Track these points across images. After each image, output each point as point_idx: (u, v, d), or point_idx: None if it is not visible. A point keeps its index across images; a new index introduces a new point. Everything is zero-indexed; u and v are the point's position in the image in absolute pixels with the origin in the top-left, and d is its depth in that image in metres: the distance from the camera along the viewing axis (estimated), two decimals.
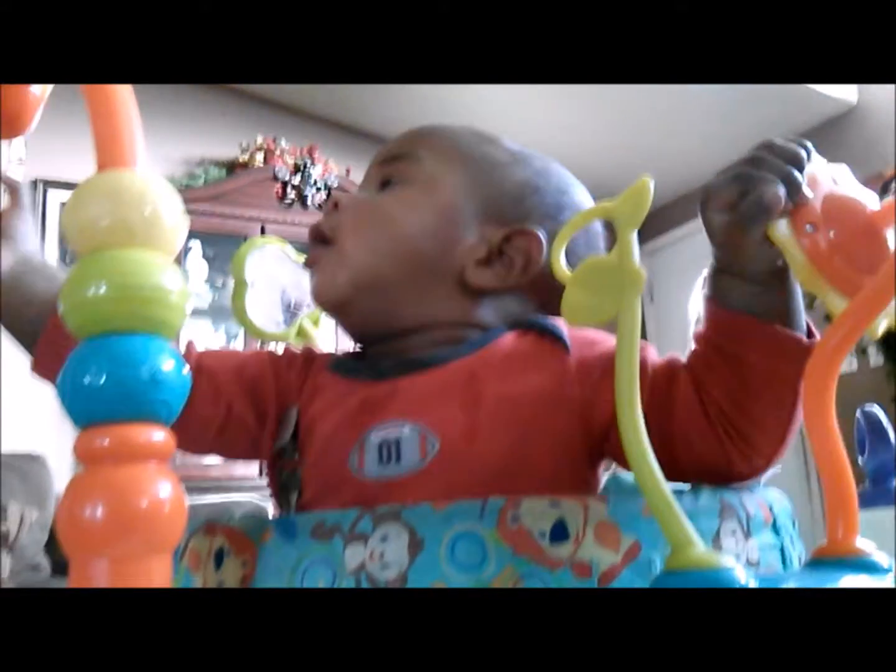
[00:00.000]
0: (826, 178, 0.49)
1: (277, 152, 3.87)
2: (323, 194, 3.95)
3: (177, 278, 0.37)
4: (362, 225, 0.65)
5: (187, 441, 0.63)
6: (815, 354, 0.46)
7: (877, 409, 0.87)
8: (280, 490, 0.62)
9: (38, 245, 0.65)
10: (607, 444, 0.55)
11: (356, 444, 0.57)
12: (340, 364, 0.66)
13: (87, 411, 0.34)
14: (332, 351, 0.71)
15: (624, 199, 0.43)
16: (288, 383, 0.66)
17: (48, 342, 0.62)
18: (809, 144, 0.49)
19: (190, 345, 0.69)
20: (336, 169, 4.00)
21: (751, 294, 0.51)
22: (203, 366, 0.66)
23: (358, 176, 4.06)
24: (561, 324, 0.60)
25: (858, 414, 0.80)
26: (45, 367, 0.64)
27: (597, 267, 0.43)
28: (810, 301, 0.55)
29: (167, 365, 0.35)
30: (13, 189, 0.64)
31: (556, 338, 0.59)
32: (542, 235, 0.64)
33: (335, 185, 3.97)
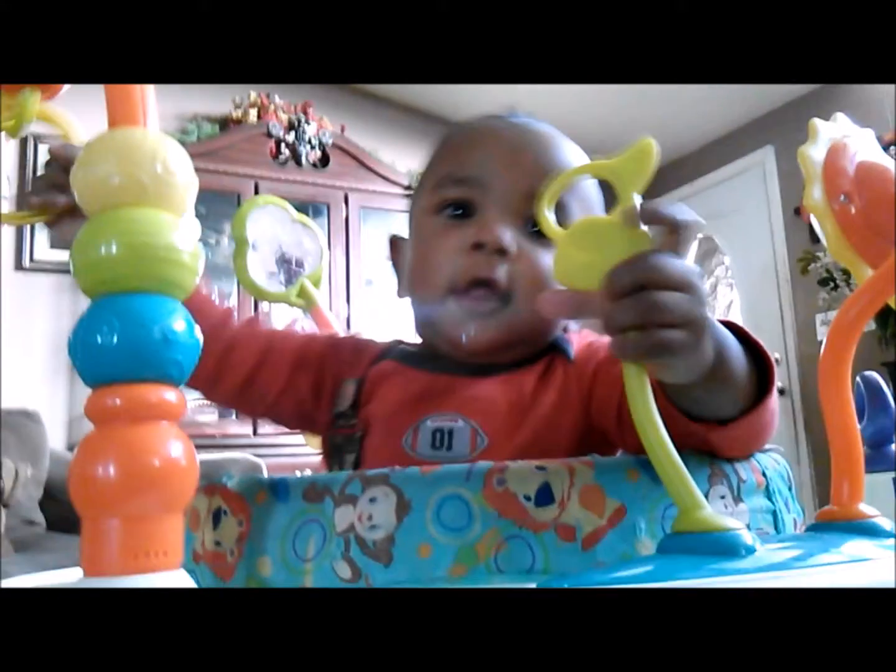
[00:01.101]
0: (856, 144, 0.49)
1: (271, 108, 3.82)
2: (317, 152, 3.91)
3: (189, 238, 0.36)
4: (540, 288, 0.62)
5: (245, 404, 0.74)
6: (836, 322, 0.47)
7: (876, 375, 0.88)
8: (333, 452, 0.67)
9: None
10: (608, 423, 0.59)
11: (412, 427, 0.63)
12: (407, 355, 0.71)
13: (98, 371, 0.35)
14: (388, 340, 0.75)
15: (627, 159, 0.41)
16: (345, 363, 0.71)
17: None
18: (686, 224, 0.42)
19: (256, 320, 0.75)
20: (330, 126, 3.96)
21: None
22: (274, 341, 0.72)
23: (352, 134, 4.08)
24: (570, 337, 0.68)
25: (858, 379, 0.80)
26: None
27: (594, 226, 0.42)
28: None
29: (179, 325, 0.35)
30: None
31: (564, 353, 0.66)
32: None
33: (329, 142, 3.93)
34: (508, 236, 0.64)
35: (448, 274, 0.64)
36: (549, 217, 0.43)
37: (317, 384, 0.71)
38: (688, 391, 0.45)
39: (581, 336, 0.70)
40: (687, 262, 0.41)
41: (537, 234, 0.64)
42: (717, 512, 0.46)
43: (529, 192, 0.61)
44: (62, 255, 3.35)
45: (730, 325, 0.48)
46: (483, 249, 0.64)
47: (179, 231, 0.36)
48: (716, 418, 0.48)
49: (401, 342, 0.74)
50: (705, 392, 0.46)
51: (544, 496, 0.42)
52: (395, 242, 0.76)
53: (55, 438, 3.07)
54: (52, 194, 0.66)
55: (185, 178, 0.37)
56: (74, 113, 0.72)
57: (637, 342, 0.39)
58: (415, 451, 0.62)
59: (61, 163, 0.67)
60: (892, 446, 0.85)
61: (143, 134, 0.36)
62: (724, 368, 0.44)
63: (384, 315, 3.89)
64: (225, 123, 3.80)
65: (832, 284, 3.49)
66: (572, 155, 0.69)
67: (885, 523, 0.44)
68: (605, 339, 0.63)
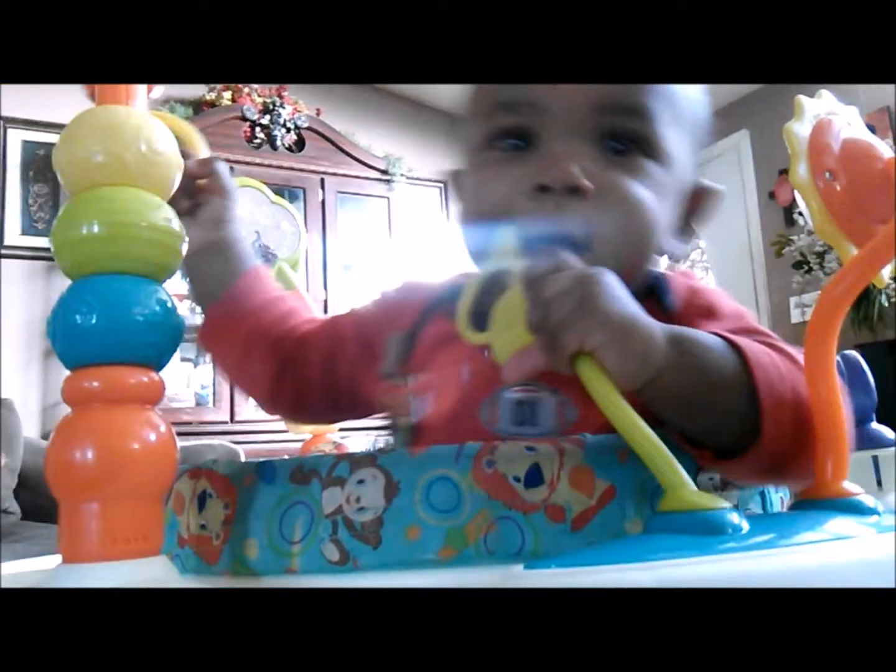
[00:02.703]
0: (842, 121, 0.49)
1: (245, 91, 3.78)
2: (293, 135, 3.88)
3: (171, 218, 0.36)
4: (626, 227, 0.53)
5: (305, 401, 0.68)
6: (821, 300, 0.47)
7: (856, 354, 0.89)
8: (390, 418, 0.63)
9: (230, 227, 0.67)
10: None
11: (488, 398, 0.54)
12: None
13: (76, 352, 0.34)
14: (443, 283, 0.66)
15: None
16: (387, 322, 0.65)
17: (209, 325, 0.69)
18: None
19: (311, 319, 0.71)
20: (306, 110, 3.93)
21: None
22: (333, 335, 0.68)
23: (328, 118, 4.05)
24: (670, 280, 0.58)
25: (838, 358, 0.81)
26: (205, 343, 0.70)
27: (506, 311, 0.44)
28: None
29: (160, 308, 0.35)
30: (212, 172, 0.67)
31: (663, 298, 0.57)
32: (720, 190, 0.60)
33: (305, 126, 3.90)
34: (579, 170, 0.52)
35: (518, 231, 0.52)
36: (468, 325, 0.44)
37: (368, 352, 0.64)
38: (670, 409, 0.44)
39: (680, 279, 0.59)
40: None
41: (621, 154, 0.53)
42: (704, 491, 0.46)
43: (603, 102, 0.53)
44: (34, 241, 3.30)
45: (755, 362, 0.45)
46: (551, 192, 0.52)
47: (162, 211, 0.36)
48: (717, 447, 0.45)
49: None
50: (686, 411, 0.45)
51: (534, 477, 0.42)
52: (456, 177, 0.64)
53: (29, 427, 3.04)
54: (177, 196, 0.65)
55: (169, 159, 0.36)
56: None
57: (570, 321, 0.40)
58: (494, 426, 0.54)
59: (196, 164, 0.66)
60: (873, 424, 0.86)
61: (127, 112, 0.36)
62: (689, 379, 0.43)
63: (362, 299, 3.88)
64: (198, 106, 3.76)
65: (806, 267, 3.52)
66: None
67: (869, 500, 0.44)
68: (707, 286, 0.59)
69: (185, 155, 0.70)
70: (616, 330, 0.41)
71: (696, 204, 0.60)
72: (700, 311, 0.54)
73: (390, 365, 0.61)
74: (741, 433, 0.44)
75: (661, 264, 0.60)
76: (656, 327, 0.43)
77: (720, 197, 0.60)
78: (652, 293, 0.56)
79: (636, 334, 0.41)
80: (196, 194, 0.66)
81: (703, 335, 0.46)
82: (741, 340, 0.46)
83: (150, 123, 0.36)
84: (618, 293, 0.42)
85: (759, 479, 0.50)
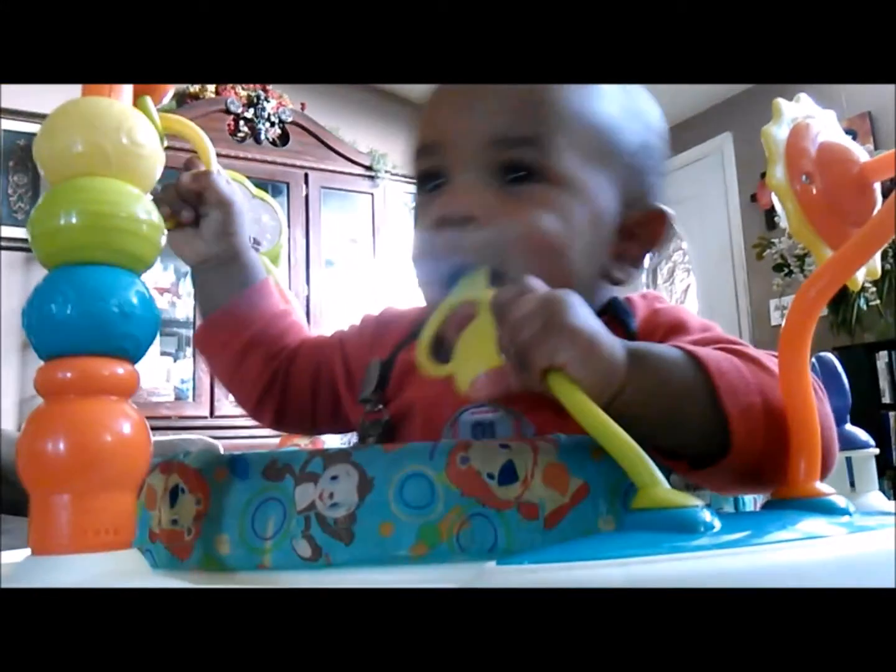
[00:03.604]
0: (819, 125, 0.49)
1: (229, 84, 3.76)
2: (277, 129, 3.86)
3: (151, 210, 0.36)
4: (531, 265, 0.52)
5: (291, 414, 0.72)
6: (795, 301, 0.47)
7: (831, 356, 0.89)
8: (360, 439, 0.63)
9: (233, 239, 0.69)
10: None
11: (448, 422, 0.57)
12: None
13: (51, 343, 0.34)
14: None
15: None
16: (366, 346, 0.69)
17: (209, 330, 0.71)
18: None
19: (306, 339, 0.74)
20: (291, 104, 3.91)
21: None
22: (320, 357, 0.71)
23: (313, 112, 4.03)
24: (632, 302, 0.60)
25: (814, 360, 0.82)
26: (202, 346, 0.72)
27: (473, 336, 0.46)
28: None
29: (136, 299, 0.35)
30: (207, 186, 0.68)
31: (624, 320, 0.58)
32: (668, 212, 0.60)
33: (289, 120, 3.88)
34: (470, 201, 0.54)
35: (431, 263, 0.56)
36: (428, 358, 0.47)
37: (348, 377, 0.69)
38: (638, 423, 0.43)
39: (639, 301, 0.61)
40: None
41: (519, 183, 0.55)
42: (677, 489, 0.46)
43: (496, 136, 0.55)
44: (13, 231, 3.27)
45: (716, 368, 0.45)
46: (449, 224, 0.55)
47: (141, 203, 0.36)
48: (691, 457, 0.46)
49: None
50: (654, 424, 0.45)
51: (508, 474, 0.42)
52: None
53: (6, 420, 3.01)
54: (179, 206, 0.67)
55: (150, 151, 0.36)
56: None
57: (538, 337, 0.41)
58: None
59: (190, 177, 0.68)
60: (847, 426, 0.86)
61: (108, 103, 0.36)
62: (651, 384, 0.44)
63: (344, 296, 3.87)
64: (182, 99, 3.73)
65: (786, 270, 3.55)
66: (549, 87, 0.58)
67: (840, 501, 0.45)
68: (671, 305, 0.61)
69: (193, 165, 0.71)
70: (582, 345, 0.42)
71: (643, 228, 0.60)
72: (663, 328, 0.56)
73: (367, 391, 0.64)
74: (712, 442, 0.45)
75: (626, 290, 0.62)
76: (617, 343, 0.44)
77: (672, 219, 0.60)
78: (611, 315, 0.57)
79: (601, 350, 0.43)
80: (198, 206, 0.68)
81: (663, 348, 0.47)
82: (700, 350, 0.46)
83: (131, 115, 0.36)
84: (582, 312, 0.44)
85: (736, 486, 0.51)
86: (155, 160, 0.37)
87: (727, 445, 0.44)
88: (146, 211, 0.35)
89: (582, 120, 0.57)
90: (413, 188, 0.64)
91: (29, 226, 0.35)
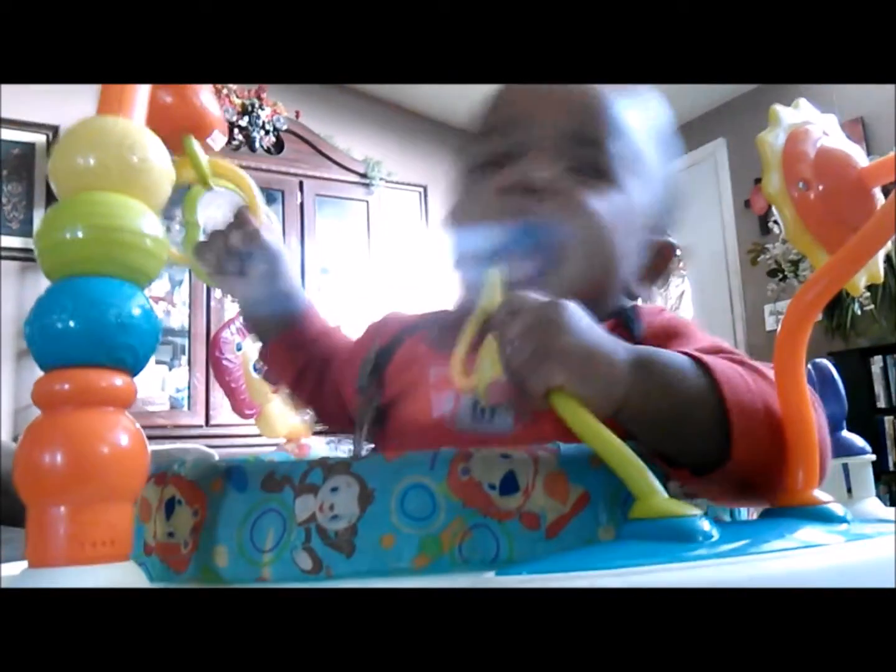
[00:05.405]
0: (818, 129, 0.49)
1: (224, 92, 3.76)
2: (271, 137, 3.86)
3: (155, 225, 0.36)
4: (586, 251, 0.58)
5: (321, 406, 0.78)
6: (792, 305, 0.47)
7: (827, 362, 0.89)
8: (356, 426, 0.66)
9: (279, 281, 0.74)
10: None
11: (450, 397, 0.59)
12: (444, 327, 0.63)
13: (51, 353, 0.34)
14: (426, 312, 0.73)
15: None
16: (368, 344, 0.71)
17: (272, 354, 0.77)
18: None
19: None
20: (285, 112, 3.91)
21: None
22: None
23: (307, 120, 4.03)
24: (638, 312, 0.61)
25: (809, 366, 0.81)
26: (269, 366, 0.79)
27: (487, 351, 0.46)
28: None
29: (136, 310, 0.35)
30: (259, 247, 0.71)
31: (630, 325, 0.59)
32: (676, 248, 0.65)
33: (284, 128, 3.88)
34: (543, 174, 0.57)
35: (489, 228, 0.58)
36: (458, 372, 0.47)
37: (350, 369, 0.71)
38: (644, 430, 0.44)
39: (649, 309, 0.63)
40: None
41: (588, 177, 0.59)
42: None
43: (574, 134, 0.59)
44: (8, 241, 3.26)
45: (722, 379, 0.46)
46: (511, 193, 0.58)
47: (146, 217, 0.36)
48: (693, 464, 0.46)
49: (440, 314, 0.71)
50: (659, 430, 0.45)
51: (509, 485, 0.42)
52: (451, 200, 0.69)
53: (1, 430, 3.00)
54: (226, 259, 0.70)
55: (157, 167, 0.37)
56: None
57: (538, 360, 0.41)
58: (453, 421, 0.58)
59: (241, 237, 0.70)
60: (843, 433, 0.86)
61: (114, 122, 0.37)
62: (655, 396, 0.44)
63: (340, 303, 3.86)
64: None
65: (781, 276, 3.56)
66: (622, 96, 0.62)
67: (838, 509, 0.45)
68: (677, 316, 0.62)
69: (244, 220, 0.71)
70: (577, 364, 0.42)
71: (658, 257, 0.65)
72: (668, 334, 0.57)
73: (363, 378, 0.66)
74: (714, 450, 0.45)
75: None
76: (620, 351, 0.44)
77: (678, 254, 0.65)
78: (620, 322, 0.59)
79: (598, 364, 0.43)
80: (245, 260, 0.70)
81: (670, 354, 0.47)
82: (708, 358, 0.46)
83: (136, 131, 0.36)
84: (577, 323, 0.43)
85: (736, 497, 0.51)
86: (163, 176, 0.37)
87: (729, 451, 0.44)
88: (150, 225, 0.36)
89: (640, 149, 0.62)
90: (459, 168, 0.66)
91: (35, 239, 0.35)
